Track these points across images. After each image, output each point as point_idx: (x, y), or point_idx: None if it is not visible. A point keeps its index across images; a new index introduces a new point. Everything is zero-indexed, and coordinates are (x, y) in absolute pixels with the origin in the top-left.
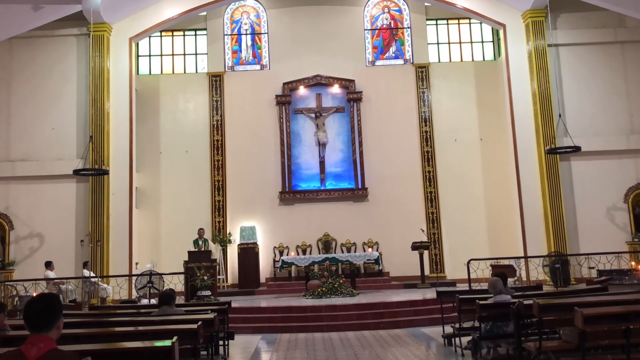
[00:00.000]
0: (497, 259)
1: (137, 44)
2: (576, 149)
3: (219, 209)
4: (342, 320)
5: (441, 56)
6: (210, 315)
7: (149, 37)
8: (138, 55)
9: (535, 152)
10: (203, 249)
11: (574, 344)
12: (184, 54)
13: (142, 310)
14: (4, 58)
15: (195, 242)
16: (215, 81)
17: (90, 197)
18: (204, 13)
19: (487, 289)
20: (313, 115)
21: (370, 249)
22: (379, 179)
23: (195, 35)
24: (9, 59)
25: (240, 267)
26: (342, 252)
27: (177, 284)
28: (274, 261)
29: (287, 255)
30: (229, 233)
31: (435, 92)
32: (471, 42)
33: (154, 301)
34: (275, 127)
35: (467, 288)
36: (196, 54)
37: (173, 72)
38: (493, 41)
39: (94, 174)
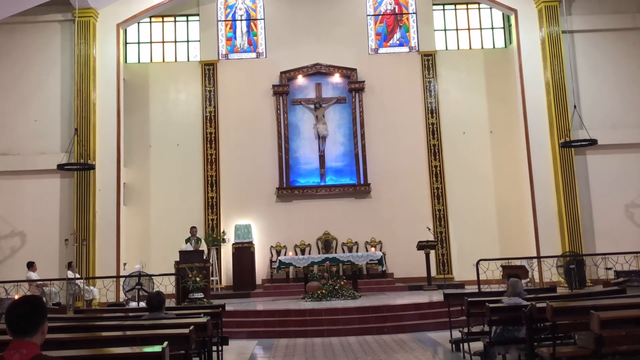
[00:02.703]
0: (508, 259)
1: (125, 30)
2: (592, 142)
3: (212, 206)
4: (343, 324)
5: (449, 43)
6: (203, 319)
7: (138, 23)
8: (126, 43)
9: (548, 146)
10: (194, 249)
11: (590, 349)
12: (175, 41)
13: (131, 314)
14: None
15: (187, 241)
16: (208, 70)
17: (75, 194)
18: None
19: (497, 290)
20: (312, 106)
21: (373, 249)
22: (382, 174)
23: (187, 21)
24: None
25: (234, 268)
26: (343, 252)
27: (167, 285)
28: (271, 262)
29: (285, 255)
30: (223, 232)
31: (443, 81)
32: (480, 29)
33: (142, 304)
34: (272, 118)
35: (476, 290)
36: (188, 41)
37: (163, 61)
38: (504, 27)
39: (79, 168)
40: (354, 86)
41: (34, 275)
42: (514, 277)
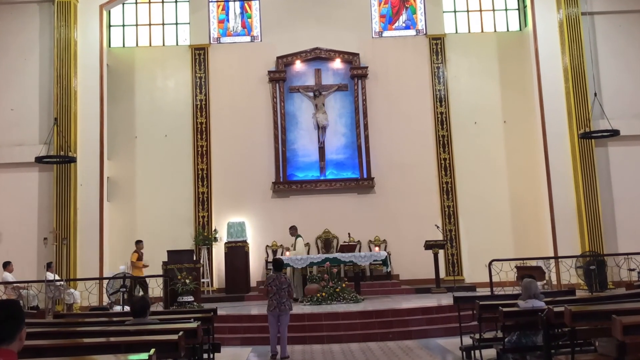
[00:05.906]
0: (523, 259)
1: (109, 12)
2: (614, 133)
3: (202, 202)
4: (344, 330)
5: (459, 26)
6: (193, 325)
7: (123, 4)
8: (110, 26)
9: (567, 137)
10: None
11: (611, 357)
12: (163, 24)
13: (115, 319)
14: None
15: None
16: (199, 55)
17: (54, 189)
18: None
19: (511, 293)
20: (311, 94)
21: (377, 248)
22: (387, 168)
23: (176, 2)
24: None
25: (227, 269)
26: (345, 251)
27: (155, 288)
28: (267, 262)
29: (282, 255)
30: (215, 230)
31: (452, 67)
32: (493, 10)
33: (128, 308)
34: (268, 107)
35: (489, 293)
36: (177, 23)
37: (150, 45)
38: (518, 9)
39: (59, 161)
40: (357, 72)
41: (10, 277)
42: (527, 277)
